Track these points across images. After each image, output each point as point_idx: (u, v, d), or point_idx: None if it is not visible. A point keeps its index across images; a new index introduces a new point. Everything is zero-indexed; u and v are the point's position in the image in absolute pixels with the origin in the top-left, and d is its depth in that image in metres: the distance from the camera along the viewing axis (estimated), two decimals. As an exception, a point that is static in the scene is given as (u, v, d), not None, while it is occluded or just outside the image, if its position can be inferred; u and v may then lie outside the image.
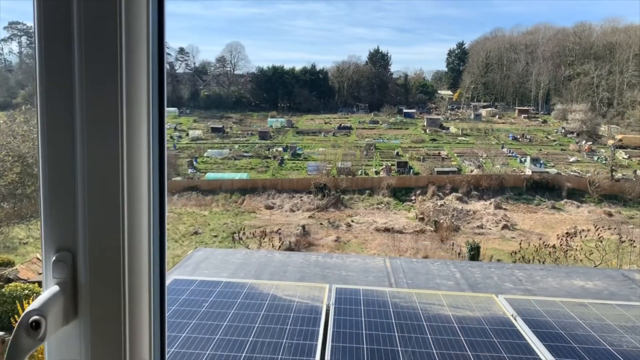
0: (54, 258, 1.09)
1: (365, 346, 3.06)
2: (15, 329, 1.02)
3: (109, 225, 1.10)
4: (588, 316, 3.61)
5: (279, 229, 43.44)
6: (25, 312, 1.02)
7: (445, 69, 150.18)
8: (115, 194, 1.11)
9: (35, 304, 1.02)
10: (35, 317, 1.00)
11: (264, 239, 28.12)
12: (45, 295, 1.06)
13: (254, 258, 5.26)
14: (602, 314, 3.66)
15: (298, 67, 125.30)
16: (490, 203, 51.99)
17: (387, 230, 44.08)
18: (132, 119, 1.16)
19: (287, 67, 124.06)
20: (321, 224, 46.06)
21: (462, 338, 3.21)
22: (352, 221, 46.80)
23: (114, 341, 1.11)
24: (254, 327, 3.27)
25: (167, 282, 4.16)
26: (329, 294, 3.93)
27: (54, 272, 1.09)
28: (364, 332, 3.27)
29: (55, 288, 1.07)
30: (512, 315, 3.57)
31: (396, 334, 3.25)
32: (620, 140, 76.39)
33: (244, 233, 27.40)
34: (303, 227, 43.20)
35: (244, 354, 2.92)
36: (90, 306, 1.10)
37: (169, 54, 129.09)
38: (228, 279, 4.26)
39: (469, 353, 3.01)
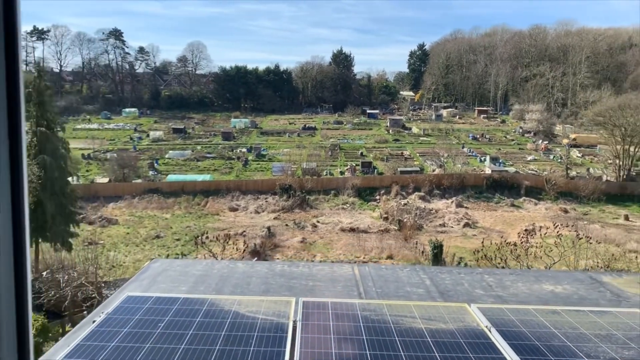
0: None
1: (335, 368, 2.85)
2: None
3: None
4: (562, 325, 3.52)
5: (244, 231, 42.89)
6: None
7: (407, 70, 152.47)
8: None
9: None
10: None
11: (228, 242, 27.60)
12: None
13: (215, 269, 4.97)
14: (575, 322, 3.57)
15: (261, 67, 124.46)
16: (452, 202, 52.97)
17: (352, 230, 44.22)
18: None
19: (250, 67, 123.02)
20: (287, 225, 45.77)
21: (436, 354, 3.04)
22: (318, 222, 46.72)
23: None
24: (213, 351, 3.01)
25: (120, 299, 3.83)
26: (295, 307, 3.70)
27: None
28: (333, 351, 3.05)
29: None
30: (486, 327, 3.43)
31: (368, 352, 3.05)
32: (574, 139, 79.37)
33: (207, 237, 26.79)
34: (268, 228, 42.79)
35: (202, 383, 2.67)
36: None
37: (128, 54, 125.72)
38: (187, 295, 3.96)
39: (445, 371, 2.86)
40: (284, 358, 2.93)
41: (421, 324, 3.47)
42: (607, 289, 4.73)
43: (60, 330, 21.58)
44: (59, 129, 33.10)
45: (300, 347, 3.07)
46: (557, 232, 22.85)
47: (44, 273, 23.58)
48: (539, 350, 3.11)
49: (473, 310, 3.72)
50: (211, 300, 3.82)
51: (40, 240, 30.98)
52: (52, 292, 20.83)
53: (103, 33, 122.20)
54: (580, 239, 22.99)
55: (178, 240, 41.66)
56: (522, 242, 22.57)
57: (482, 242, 24.99)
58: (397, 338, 3.24)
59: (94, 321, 3.45)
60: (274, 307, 3.71)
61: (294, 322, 3.42)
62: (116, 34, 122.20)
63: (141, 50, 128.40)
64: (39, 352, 17.46)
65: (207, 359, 2.91)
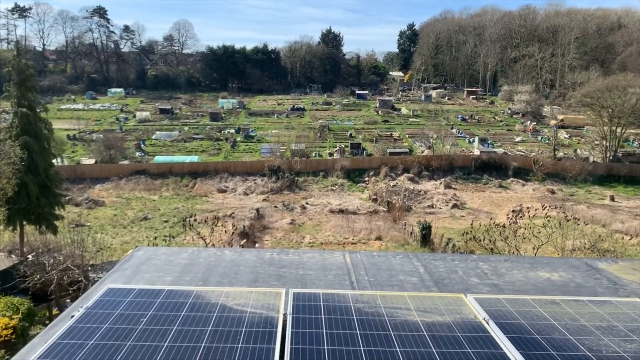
0: None
1: (327, 366, 2.70)
2: None
3: None
4: (562, 316, 3.40)
5: (233, 212, 42.65)
6: None
7: (397, 50, 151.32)
8: None
9: None
10: None
11: (216, 224, 27.37)
12: None
13: (201, 257, 4.78)
14: (575, 313, 3.46)
15: (249, 46, 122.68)
16: (441, 183, 53.10)
17: (341, 211, 44.17)
18: None
19: (237, 46, 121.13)
20: (275, 206, 45.59)
21: (433, 350, 2.90)
22: (307, 203, 46.59)
23: None
24: (199, 348, 2.84)
25: (101, 291, 3.64)
26: (285, 299, 3.54)
27: None
28: (325, 347, 2.90)
29: None
30: (484, 319, 3.30)
31: (361, 348, 2.90)
32: (562, 120, 79.71)
33: (195, 219, 26.55)
34: (257, 210, 42.59)
35: (187, 385, 2.50)
36: None
37: (113, 32, 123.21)
38: (171, 287, 3.77)
39: (443, 368, 2.73)
40: (273, 355, 2.78)
41: (417, 317, 3.33)
42: (604, 276, 4.64)
43: (47, 314, 21.37)
44: (41, 109, 32.29)
45: (291, 343, 2.91)
46: (545, 213, 22.98)
47: (29, 256, 23.22)
48: (540, 345, 2.99)
49: (469, 301, 3.60)
50: (197, 292, 3.64)
51: (24, 222, 30.50)
52: (38, 276, 20.53)
53: (87, 11, 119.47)
54: (567, 220, 23.16)
55: (166, 222, 41.33)
56: (510, 224, 22.66)
57: (471, 224, 25.06)
58: (392, 332, 3.10)
59: (72, 316, 3.26)
60: (263, 299, 3.55)
61: (284, 315, 3.27)
62: (100, 12, 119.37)
63: (126, 28, 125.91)
64: (25, 336, 17.27)
65: (191, 357, 2.74)
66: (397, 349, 2.90)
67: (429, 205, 47.15)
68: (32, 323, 18.39)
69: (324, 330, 3.10)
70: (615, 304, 3.67)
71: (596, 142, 65.43)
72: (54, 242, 24.54)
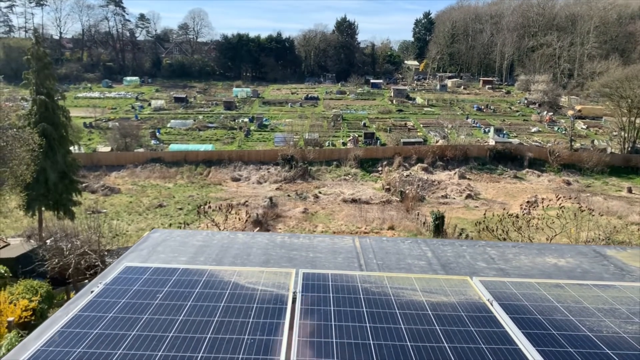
0: None
1: (334, 340, 2.82)
2: None
3: None
4: (565, 299, 3.47)
5: (246, 201, 43.02)
6: None
7: (412, 39, 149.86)
8: None
9: None
10: None
11: (230, 211, 27.67)
12: None
13: (215, 239, 4.93)
14: (578, 296, 3.53)
15: (263, 35, 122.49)
16: (455, 173, 52.85)
17: (354, 201, 44.29)
18: None
19: (252, 34, 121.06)
20: (289, 195, 45.85)
21: (437, 327, 3.00)
22: (320, 192, 46.76)
23: None
24: (212, 322, 2.98)
25: (119, 269, 3.80)
26: (295, 279, 3.66)
27: None
28: (333, 323, 3.02)
29: None
30: (488, 300, 3.39)
31: (367, 324, 3.02)
32: (580, 111, 78.52)
33: (209, 206, 26.85)
34: (270, 199, 42.88)
35: (199, 354, 2.63)
36: None
37: (128, 21, 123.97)
38: (186, 265, 3.92)
39: (445, 345, 2.82)
40: (282, 330, 2.90)
41: (422, 297, 3.43)
42: (611, 263, 4.69)
43: (65, 297, 21.90)
44: (59, 97, 32.78)
45: (300, 319, 3.03)
46: (560, 204, 22.82)
47: (48, 241, 23.77)
48: (542, 324, 3.07)
49: (475, 283, 3.68)
50: (210, 271, 3.78)
51: (43, 208, 31.14)
52: (56, 260, 21.04)
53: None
54: (582, 211, 22.97)
55: (181, 209, 41.85)
56: (524, 214, 22.55)
57: (485, 214, 24.97)
58: (397, 310, 3.21)
59: (92, 291, 3.42)
60: (274, 278, 3.67)
61: (294, 293, 3.39)
62: (116, 1, 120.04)
63: (142, 17, 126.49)
64: (44, 317, 17.76)
65: (205, 330, 2.88)
66: (402, 326, 3.01)
67: (442, 196, 47.02)
68: (50, 305, 18.88)
69: (332, 308, 3.22)
70: (619, 288, 3.73)
71: (614, 133, 64.43)
72: (71, 227, 25.06)
